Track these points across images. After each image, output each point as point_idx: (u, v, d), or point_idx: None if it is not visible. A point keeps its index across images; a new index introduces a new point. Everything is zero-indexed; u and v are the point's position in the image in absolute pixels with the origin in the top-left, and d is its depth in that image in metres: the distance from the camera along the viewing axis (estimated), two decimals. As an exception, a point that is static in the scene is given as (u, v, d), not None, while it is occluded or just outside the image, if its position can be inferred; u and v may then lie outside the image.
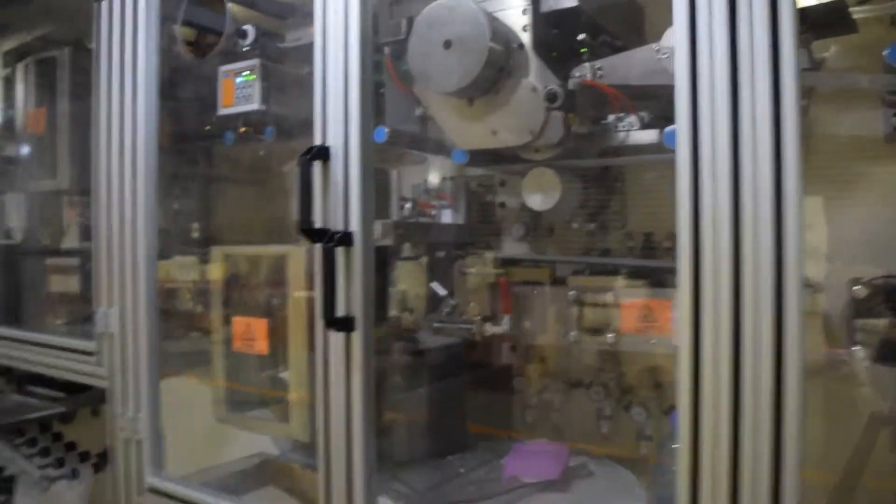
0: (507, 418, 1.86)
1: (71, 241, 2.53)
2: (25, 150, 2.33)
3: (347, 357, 1.30)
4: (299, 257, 1.52)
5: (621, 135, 1.46)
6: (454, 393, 1.80)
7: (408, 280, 1.81)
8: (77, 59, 2.09)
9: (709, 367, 1.02)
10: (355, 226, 1.28)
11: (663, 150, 1.40)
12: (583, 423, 1.80)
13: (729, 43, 1.01)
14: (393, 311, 1.77)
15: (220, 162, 2.23)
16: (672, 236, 1.65)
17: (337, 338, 1.31)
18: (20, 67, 2.18)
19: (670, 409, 1.72)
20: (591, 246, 1.79)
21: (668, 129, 1.37)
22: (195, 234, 2.36)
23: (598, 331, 1.49)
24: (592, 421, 1.78)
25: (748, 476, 0.99)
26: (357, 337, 1.29)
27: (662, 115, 1.41)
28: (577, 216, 1.76)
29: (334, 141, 1.30)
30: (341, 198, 1.29)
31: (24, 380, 2.69)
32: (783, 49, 0.97)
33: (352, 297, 1.29)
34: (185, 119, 2.04)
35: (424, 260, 1.81)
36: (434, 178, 1.91)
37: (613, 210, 1.75)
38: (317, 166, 1.32)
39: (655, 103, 1.44)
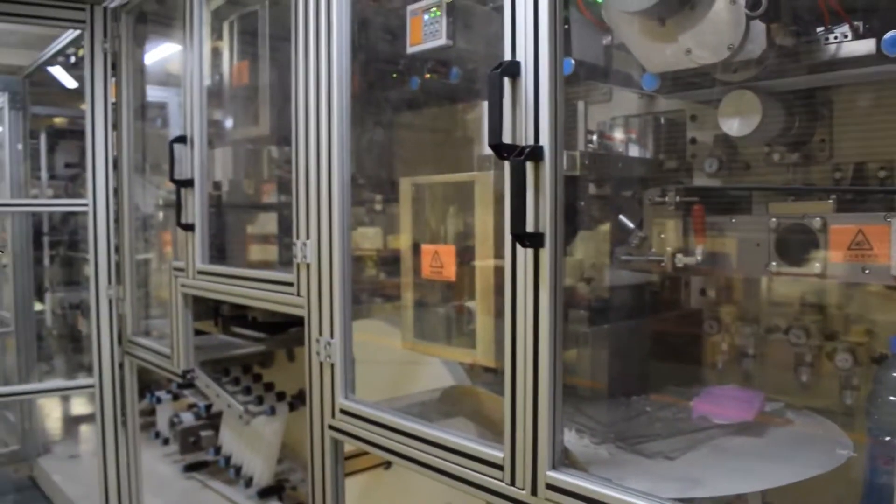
0: (697, 363, 1.79)
1: (270, 196, 2.72)
2: (232, 104, 2.51)
3: (536, 274, 1.29)
4: (486, 183, 1.53)
5: (831, 48, 1.35)
6: (640, 332, 1.76)
7: (584, 249, 1.77)
8: (273, 12, 2.24)
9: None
10: (545, 140, 1.27)
11: (882, 61, 1.29)
12: (778, 371, 1.69)
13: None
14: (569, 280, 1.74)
15: (404, 109, 2.30)
16: (889, 164, 1.52)
17: (525, 255, 1.30)
18: (226, 26, 2.36)
19: (881, 358, 1.58)
20: (792, 181, 1.67)
21: (889, 34, 1.26)
22: (377, 207, 2.46)
23: (802, 261, 1.39)
24: (789, 368, 1.67)
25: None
26: (546, 254, 1.28)
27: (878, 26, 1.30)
28: (777, 147, 1.65)
29: (524, 56, 1.29)
30: (531, 112, 1.28)
31: (229, 322, 2.95)
32: None
33: (541, 215, 1.28)
34: (371, 70, 2.12)
35: (606, 228, 1.77)
36: (620, 113, 1.86)
37: (818, 139, 1.62)
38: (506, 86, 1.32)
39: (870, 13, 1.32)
